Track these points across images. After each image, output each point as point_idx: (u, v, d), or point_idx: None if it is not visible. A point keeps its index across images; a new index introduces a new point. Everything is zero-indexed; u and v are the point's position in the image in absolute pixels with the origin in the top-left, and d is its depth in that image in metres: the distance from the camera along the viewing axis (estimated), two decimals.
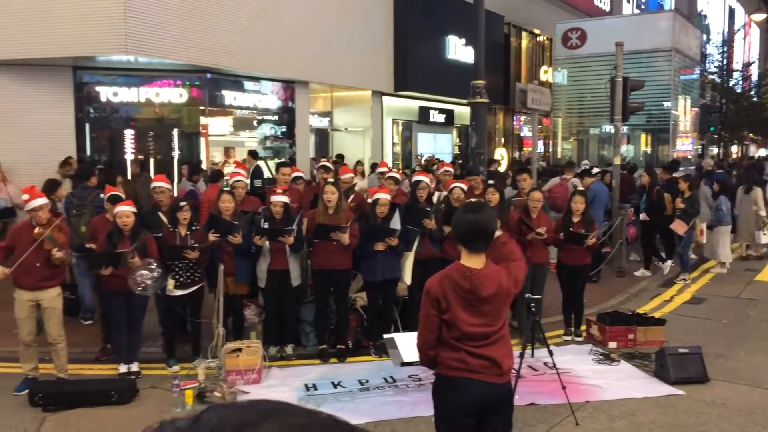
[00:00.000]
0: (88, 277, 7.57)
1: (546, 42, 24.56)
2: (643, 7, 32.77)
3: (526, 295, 6.03)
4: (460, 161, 18.81)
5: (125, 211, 6.22)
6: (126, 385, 5.92)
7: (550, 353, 5.48)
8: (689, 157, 21.99)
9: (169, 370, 6.56)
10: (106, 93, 13.07)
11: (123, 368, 6.40)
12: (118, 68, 13.00)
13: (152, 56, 11.90)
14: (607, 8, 28.38)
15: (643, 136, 22.23)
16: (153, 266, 6.06)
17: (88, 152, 13.09)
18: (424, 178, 7.47)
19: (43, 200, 6.01)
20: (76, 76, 12.75)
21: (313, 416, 0.76)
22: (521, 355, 5.49)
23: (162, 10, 11.70)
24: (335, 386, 6.19)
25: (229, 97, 14.37)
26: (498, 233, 3.71)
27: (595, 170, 11.31)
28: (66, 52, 11.50)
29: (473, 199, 6.64)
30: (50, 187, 8.16)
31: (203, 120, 14.05)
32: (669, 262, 10.92)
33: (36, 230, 5.84)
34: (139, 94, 13.30)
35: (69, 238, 6.27)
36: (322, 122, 17.91)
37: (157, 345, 7.16)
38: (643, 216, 10.78)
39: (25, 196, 6.01)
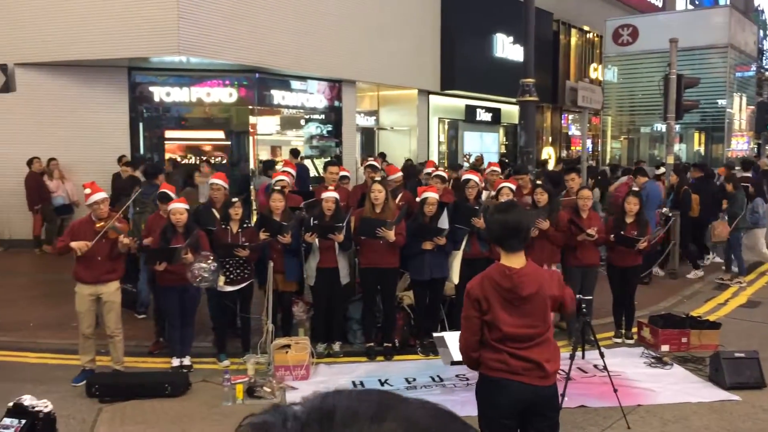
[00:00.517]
0: (145, 272, 7.78)
1: (596, 39, 24.14)
2: (697, 2, 31.93)
3: (577, 296, 5.95)
4: (506, 160, 18.65)
5: (179, 208, 6.36)
6: (179, 379, 6.06)
7: (602, 355, 5.40)
8: (744, 156, 21.32)
9: (220, 364, 6.70)
10: (158, 93, 13.39)
11: (176, 362, 6.55)
12: (170, 69, 13.30)
13: (203, 57, 12.15)
14: (660, 4, 27.72)
15: (696, 135, 21.65)
16: (210, 260, 6.20)
17: (141, 151, 13.44)
18: (474, 177, 7.43)
19: (103, 194, 6.20)
20: (131, 76, 13.09)
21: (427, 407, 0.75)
22: (571, 357, 5.43)
23: (213, 12, 11.92)
24: (382, 384, 6.22)
25: (278, 96, 14.55)
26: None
27: (660, 170, 10.99)
28: (122, 54, 11.84)
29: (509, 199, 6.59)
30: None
31: (252, 119, 14.27)
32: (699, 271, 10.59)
33: (97, 224, 6.03)
34: (191, 93, 13.58)
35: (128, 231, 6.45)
36: (369, 121, 17.98)
37: (208, 340, 7.30)
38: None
39: (87, 191, 6.20)
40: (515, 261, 3.34)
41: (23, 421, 4.52)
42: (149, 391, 5.86)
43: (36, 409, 4.57)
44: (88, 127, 12.67)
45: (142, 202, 7.69)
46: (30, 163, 11.67)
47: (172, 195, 6.83)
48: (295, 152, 13.68)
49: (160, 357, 6.90)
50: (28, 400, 4.63)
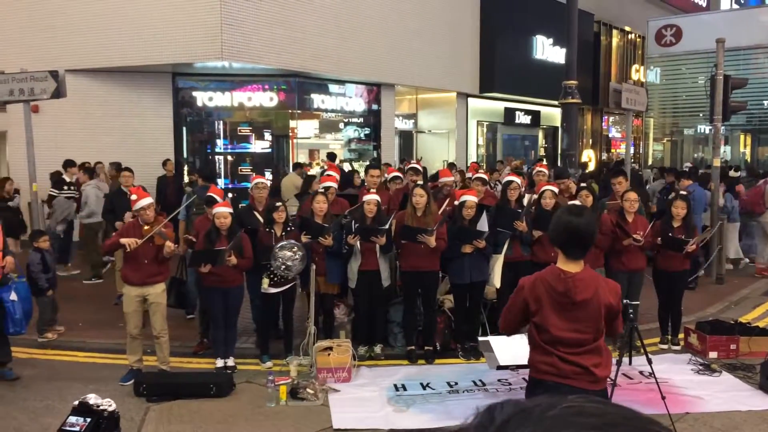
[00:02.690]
0: (192, 273, 7.90)
1: (638, 40, 23.76)
2: (742, 1, 31.16)
3: (624, 301, 5.84)
4: (545, 162, 18.45)
5: (223, 212, 6.46)
6: (224, 379, 6.15)
7: (650, 362, 5.30)
8: None
9: (263, 365, 6.77)
10: (201, 98, 13.62)
11: (220, 362, 6.64)
12: (213, 74, 13.51)
13: (245, 62, 12.32)
14: (704, 3, 27.16)
15: (741, 137, 21.16)
16: (295, 248, 6.29)
17: (185, 154, 13.68)
18: (516, 179, 7.38)
19: (149, 200, 6.34)
20: (175, 82, 13.34)
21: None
22: (618, 363, 5.33)
23: (254, 18, 12.08)
24: (424, 387, 6.21)
25: (317, 100, 14.67)
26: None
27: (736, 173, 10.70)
28: (167, 60, 12.08)
29: (576, 202, 6.48)
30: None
31: (292, 123, 14.42)
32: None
33: (144, 228, 6.17)
34: (232, 98, 13.78)
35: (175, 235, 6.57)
36: (407, 124, 18.00)
37: (250, 341, 7.40)
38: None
39: (133, 197, 6.35)
40: (573, 266, 3.29)
41: (88, 420, 4.64)
42: (195, 391, 5.95)
43: (101, 407, 4.69)
44: (134, 131, 12.96)
45: (200, 205, 7.84)
46: (77, 165, 11.95)
47: (219, 198, 6.94)
48: (331, 156, 13.79)
49: (204, 358, 7.01)
50: (93, 399, 4.75)
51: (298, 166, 13.02)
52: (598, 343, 3.33)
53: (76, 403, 4.74)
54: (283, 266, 6.34)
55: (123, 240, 6.08)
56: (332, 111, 15.25)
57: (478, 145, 19.05)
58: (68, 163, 11.48)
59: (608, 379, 5.34)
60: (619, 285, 3.49)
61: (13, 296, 6.33)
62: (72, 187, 11.09)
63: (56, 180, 11.08)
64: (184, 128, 13.81)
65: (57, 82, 8.39)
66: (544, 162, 15.93)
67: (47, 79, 8.41)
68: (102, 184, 11.54)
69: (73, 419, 4.67)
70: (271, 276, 6.70)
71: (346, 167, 15.11)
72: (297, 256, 6.32)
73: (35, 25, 12.61)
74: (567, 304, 3.25)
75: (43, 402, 5.84)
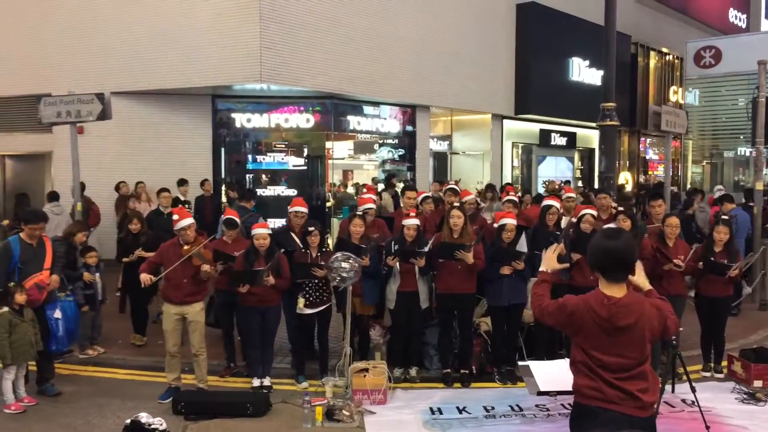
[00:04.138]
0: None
1: (676, 61, 23.52)
2: None
3: None
4: (582, 185, 18.32)
5: (262, 233, 6.55)
6: (260, 399, 6.17)
7: (693, 390, 5.19)
8: None
9: (299, 386, 6.79)
10: (239, 119, 13.86)
11: (256, 382, 6.68)
12: (250, 96, 13.75)
13: (283, 84, 12.52)
14: (743, 24, 26.81)
15: None
16: (350, 260, 6.34)
17: (222, 174, 13.89)
18: (555, 203, 7.33)
19: (190, 220, 6.45)
20: (214, 103, 13.61)
21: None
22: (660, 391, 5.23)
23: (292, 41, 12.29)
24: (460, 411, 6.16)
25: (353, 121, 14.80)
26: (647, 286, 3.52)
27: None
28: (207, 82, 12.35)
29: (612, 225, 6.41)
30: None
31: (328, 144, 14.56)
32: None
33: (184, 248, 6.27)
34: (270, 120, 13.99)
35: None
36: (441, 146, 18.02)
37: (286, 362, 7.43)
38: None
39: (175, 217, 6.47)
40: (616, 290, 3.26)
41: None
42: (232, 410, 5.99)
43: (152, 426, 4.77)
44: (174, 152, 13.23)
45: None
46: (118, 187, 12.23)
47: (238, 221, 7.00)
48: (375, 180, 13.91)
49: (240, 377, 7.05)
50: (144, 417, 4.83)
51: (389, 185, 13.01)
52: (644, 367, 3.27)
53: (128, 421, 4.82)
54: (339, 278, 6.38)
55: (141, 276, 6.26)
56: (367, 132, 15.36)
57: (513, 167, 18.97)
58: (180, 182, 11.91)
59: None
60: (663, 302, 3.40)
61: (57, 314, 6.47)
62: (187, 206, 11.25)
63: (173, 200, 11.23)
64: (222, 149, 14.05)
65: (103, 104, 8.63)
66: (570, 185, 15.80)
67: (93, 102, 8.66)
68: (143, 205, 11.79)
69: None
70: (307, 296, 6.75)
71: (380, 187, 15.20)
72: (352, 268, 6.36)
73: (81, 49, 13.01)
74: (610, 329, 3.21)
75: (84, 418, 5.94)
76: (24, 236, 6.34)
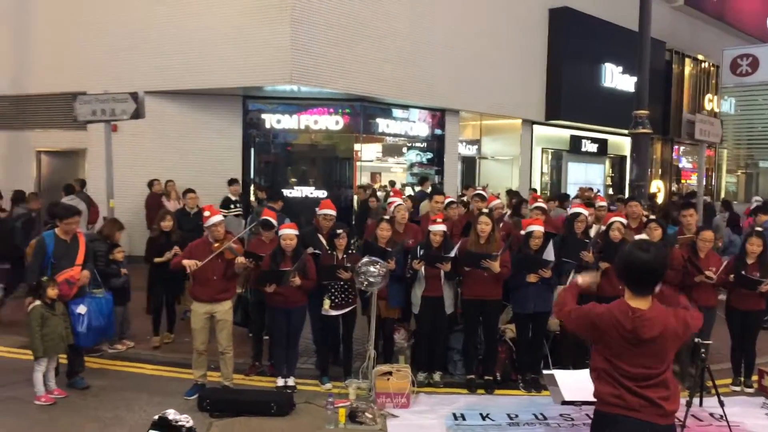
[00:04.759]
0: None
1: (711, 68, 23.14)
2: None
3: (696, 340, 5.66)
4: (612, 193, 18.12)
5: (289, 234, 6.59)
6: (284, 399, 6.22)
7: (722, 404, 5.10)
8: None
9: (323, 387, 6.82)
10: (270, 120, 13.99)
11: (280, 382, 6.73)
12: (281, 97, 13.86)
13: (313, 86, 12.59)
14: None
15: None
16: (378, 264, 6.38)
17: (252, 175, 14.03)
18: (583, 211, 7.26)
19: (220, 217, 6.54)
20: (245, 104, 13.74)
21: None
22: (688, 404, 5.16)
23: (323, 42, 12.36)
24: (483, 418, 6.13)
25: (382, 124, 14.83)
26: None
27: None
28: (239, 83, 12.48)
29: (644, 236, 6.33)
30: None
31: (356, 146, 14.62)
32: None
33: (214, 245, 6.35)
34: (299, 121, 14.09)
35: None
36: (470, 150, 17.97)
37: (310, 362, 7.47)
38: None
39: (206, 213, 6.55)
40: (641, 302, 3.23)
41: None
42: (256, 409, 6.04)
43: (179, 423, 4.83)
44: (204, 151, 13.39)
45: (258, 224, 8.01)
46: (150, 184, 12.41)
47: (274, 222, 7.06)
48: (392, 183, 13.89)
49: (265, 376, 7.11)
50: (172, 414, 4.90)
51: (436, 191, 12.84)
52: (666, 375, 3.25)
53: (156, 417, 4.88)
54: (366, 282, 6.41)
55: (185, 262, 6.29)
56: (396, 135, 15.39)
57: (542, 173, 18.84)
58: (231, 182, 11.94)
59: (677, 420, 5.18)
60: (688, 312, 3.37)
61: (81, 309, 6.53)
62: (238, 205, 11.46)
63: (223, 200, 11.45)
64: (252, 149, 14.18)
65: (136, 103, 8.78)
66: (600, 193, 15.61)
67: (127, 101, 8.81)
68: (173, 203, 11.95)
69: None
70: (332, 298, 6.78)
71: (408, 191, 15.20)
72: (380, 272, 6.39)
73: (116, 49, 13.23)
74: (634, 341, 3.19)
75: (113, 412, 6.04)
76: (59, 232, 6.47)
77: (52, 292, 6.21)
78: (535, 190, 14.43)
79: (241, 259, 6.35)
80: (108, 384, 6.78)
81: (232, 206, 11.34)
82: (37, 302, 6.18)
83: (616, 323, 3.21)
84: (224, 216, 10.71)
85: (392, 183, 14.00)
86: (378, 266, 6.38)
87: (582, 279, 3.85)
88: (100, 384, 6.74)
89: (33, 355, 6.23)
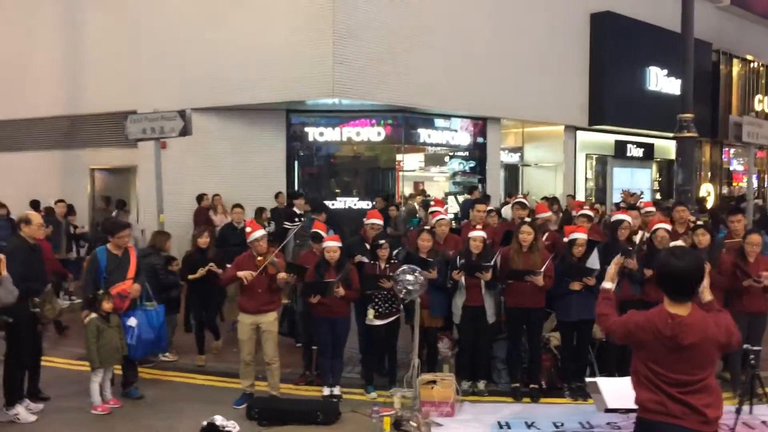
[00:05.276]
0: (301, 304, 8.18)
1: (761, 68, 22.55)
2: None
3: (745, 346, 5.55)
4: (660, 198, 17.78)
5: (333, 246, 6.73)
6: (330, 408, 6.32)
7: None
8: None
9: (368, 396, 6.89)
10: (312, 133, 14.21)
11: (326, 391, 6.83)
12: (323, 110, 14.08)
13: (355, 99, 12.76)
14: None
15: None
16: (416, 273, 6.48)
17: (296, 187, 14.25)
18: (626, 218, 7.20)
19: (262, 232, 6.71)
20: (288, 118, 14.00)
21: None
22: (737, 411, 5.07)
23: (364, 56, 12.51)
24: (528, 426, 6.11)
25: (423, 134, 14.91)
26: (708, 297, 3.57)
27: None
28: (282, 98, 12.73)
29: (680, 242, 6.25)
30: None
31: (398, 157, 14.72)
32: None
33: (258, 258, 6.52)
34: (342, 133, 14.27)
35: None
36: (513, 158, 17.89)
37: (355, 371, 7.56)
38: None
39: (248, 229, 6.74)
40: (680, 308, 3.23)
41: None
42: (303, 418, 6.16)
43: (226, 429, 5.01)
44: (250, 165, 13.68)
45: (303, 236, 8.15)
46: (200, 199, 12.73)
47: (324, 234, 7.21)
48: (420, 194, 13.96)
49: (311, 385, 7.23)
50: (219, 420, 5.08)
51: (479, 200, 12.69)
52: (708, 381, 3.23)
53: (205, 423, 5.05)
54: (404, 290, 6.49)
55: (240, 273, 6.46)
56: (438, 145, 15.44)
57: (586, 179, 18.62)
58: (295, 195, 12.27)
59: (726, 427, 5.09)
60: (727, 316, 3.35)
61: (131, 322, 6.75)
62: (303, 219, 11.72)
63: (289, 213, 11.74)
64: (296, 162, 14.42)
65: (184, 121, 9.06)
66: (644, 197, 15.32)
67: (176, 119, 9.10)
68: (220, 217, 12.24)
69: None
70: (376, 308, 6.86)
71: (452, 201, 15.22)
72: (418, 281, 6.46)
73: (163, 68, 13.66)
74: (674, 348, 3.19)
75: (165, 421, 6.23)
76: (111, 246, 6.72)
77: (107, 305, 6.45)
78: (572, 196, 14.22)
79: (282, 275, 6.51)
80: (160, 394, 7.00)
81: (296, 219, 11.52)
82: (93, 315, 6.43)
83: (655, 330, 3.22)
84: (288, 228, 10.96)
85: (422, 194, 14.00)
86: (416, 274, 6.44)
87: (608, 278, 3.88)
88: (153, 394, 6.96)
89: (90, 366, 6.48)
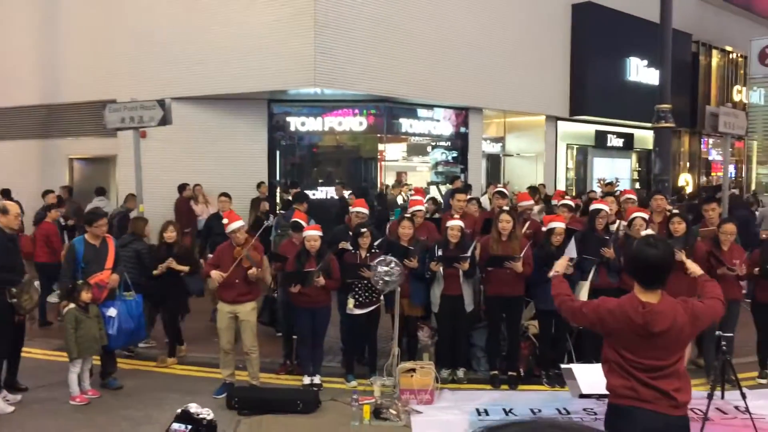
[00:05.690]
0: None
1: (740, 59, 22.76)
2: None
3: (717, 333, 5.66)
4: (638, 188, 17.94)
5: (314, 235, 6.74)
6: (310, 396, 6.35)
7: (743, 396, 5.10)
8: None
9: (348, 384, 6.94)
10: (294, 123, 14.14)
11: (306, 380, 6.87)
12: (305, 100, 14.02)
13: (337, 88, 12.72)
14: None
15: None
16: (392, 264, 6.50)
17: (278, 177, 14.21)
18: (604, 207, 7.27)
19: (240, 223, 6.69)
20: (270, 108, 13.93)
21: None
22: (709, 396, 5.16)
23: (346, 45, 12.46)
24: (507, 413, 6.18)
25: (406, 124, 14.88)
26: (698, 272, 3.72)
27: None
28: (263, 87, 12.66)
29: (651, 231, 6.33)
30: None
31: (380, 146, 14.71)
32: None
33: (236, 249, 6.52)
34: (323, 123, 14.22)
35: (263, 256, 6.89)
36: (494, 148, 17.94)
37: (336, 360, 7.59)
38: None
39: (225, 221, 6.72)
40: (650, 296, 3.28)
41: (189, 427, 4.99)
42: (283, 407, 6.19)
43: (200, 416, 5.03)
44: (231, 155, 13.60)
45: (285, 226, 8.14)
46: (182, 189, 12.65)
47: (304, 224, 7.21)
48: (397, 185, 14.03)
49: (292, 374, 7.26)
50: (194, 408, 5.09)
51: (459, 190, 12.60)
52: (678, 366, 3.30)
53: (179, 411, 5.07)
54: (381, 281, 6.52)
55: (212, 273, 6.49)
56: (420, 135, 15.43)
57: (567, 169, 18.73)
58: (259, 185, 12.35)
59: (699, 412, 5.19)
60: (699, 308, 3.41)
61: (111, 312, 6.73)
62: None
63: (284, 203, 11.68)
64: (278, 152, 14.36)
65: (164, 110, 8.98)
66: (620, 186, 15.43)
67: (155, 108, 9.02)
68: (200, 207, 12.19)
69: (176, 426, 5.02)
70: (356, 297, 6.89)
71: (434, 190, 15.25)
72: (393, 271, 6.48)
73: (144, 57, 13.52)
74: (645, 335, 3.24)
75: (144, 411, 6.23)
76: (88, 237, 6.68)
77: (86, 295, 6.42)
78: (543, 185, 14.23)
79: (253, 271, 6.49)
80: (139, 384, 6.99)
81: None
82: (72, 305, 6.39)
83: (626, 318, 3.27)
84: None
85: (402, 185, 14.02)
86: (391, 266, 6.46)
87: (558, 269, 4.14)
88: (132, 384, 6.95)
89: (68, 356, 6.45)
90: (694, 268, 3.93)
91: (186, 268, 7.57)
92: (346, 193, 12.36)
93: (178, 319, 7.85)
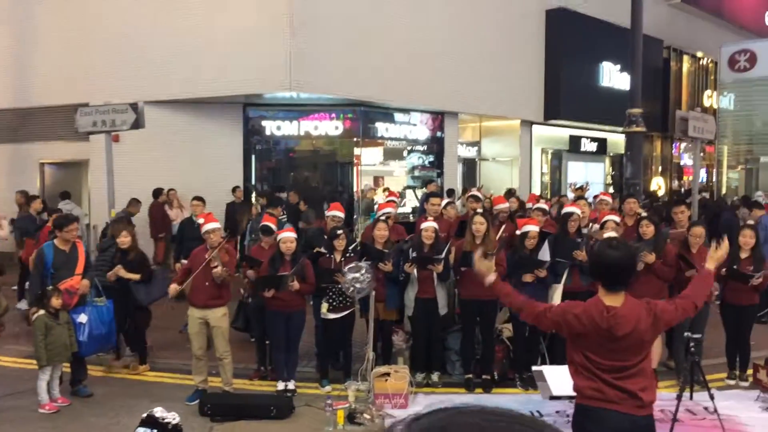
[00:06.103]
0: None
1: (710, 65, 23.16)
2: None
3: (685, 334, 5.73)
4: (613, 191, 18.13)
5: (289, 237, 6.69)
6: (284, 402, 6.32)
7: (711, 397, 5.17)
8: None
9: (322, 390, 6.91)
10: (270, 127, 14.08)
11: (281, 385, 6.82)
12: (281, 104, 13.97)
13: (312, 92, 12.71)
14: None
15: None
16: (363, 270, 6.47)
17: (253, 181, 14.14)
18: (576, 210, 7.35)
19: (215, 224, 6.64)
20: (245, 112, 13.87)
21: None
22: (678, 397, 5.23)
23: (322, 49, 12.46)
24: None
25: (381, 128, 14.91)
26: (692, 272, 3.77)
27: None
28: (238, 91, 12.60)
29: (613, 233, 6.40)
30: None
31: (356, 151, 14.71)
32: None
33: (207, 252, 6.46)
34: (299, 127, 14.19)
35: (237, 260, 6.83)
36: (470, 152, 18.03)
37: (310, 365, 7.56)
38: None
39: (200, 221, 6.66)
40: (614, 299, 3.33)
41: (155, 431, 4.92)
42: (256, 413, 6.15)
43: (165, 420, 4.96)
44: (206, 159, 13.51)
45: (258, 230, 8.08)
46: (157, 194, 12.52)
47: (274, 227, 7.15)
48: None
49: (265, 380, 7.21)
50: (159, 412, 5.03)
51: (433, 194, 12.21)
52: (643, 365, 3.35)
53: (144, 415, 5.01)
54: (351, 288, 6.50)
55: (170, 288, 6.48)
56: (396, 139, 15.46)
57: (542, 173, 18.90)
58: (281, 189, 12.27)
59: (668, 414, 5.25)
60: (658, 304, 3.46)
61: (82, 318, 6.63)
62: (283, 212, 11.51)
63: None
64: (253, 156, 14.30)
65: (136, 113, 8.89)
66: (591, 189, 15.57)
67: (127, 111, 8.92)
68: (175, 211, 12.08)
69: (141, 430, 4.95)
70: (331, 301, 6.88)
71: (410, 194, 15.30)
72: (365, 278, 6.47)
73: (117, 60, 13.37)
74: (610, 338, 3.29)
75: (114, 419, 6.15)
76: (58, 242, 6.58)
77: (56, 301, 6.32)
78: (545, 194, 14.32)
79: (218, 270, 6.36)
80: (110, 391, 6.89)
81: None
82: (41, 312, 6.29)
83: (592, 322, 3.31)
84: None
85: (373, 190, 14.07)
86: (362, 272, 6.44)
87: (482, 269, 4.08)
88: (103, 391, 6.85)
89: (37, 364, 6.34)
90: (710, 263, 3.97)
91: (136, 276, 7.12)
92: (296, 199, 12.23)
93: (142, 327, 7.59)
